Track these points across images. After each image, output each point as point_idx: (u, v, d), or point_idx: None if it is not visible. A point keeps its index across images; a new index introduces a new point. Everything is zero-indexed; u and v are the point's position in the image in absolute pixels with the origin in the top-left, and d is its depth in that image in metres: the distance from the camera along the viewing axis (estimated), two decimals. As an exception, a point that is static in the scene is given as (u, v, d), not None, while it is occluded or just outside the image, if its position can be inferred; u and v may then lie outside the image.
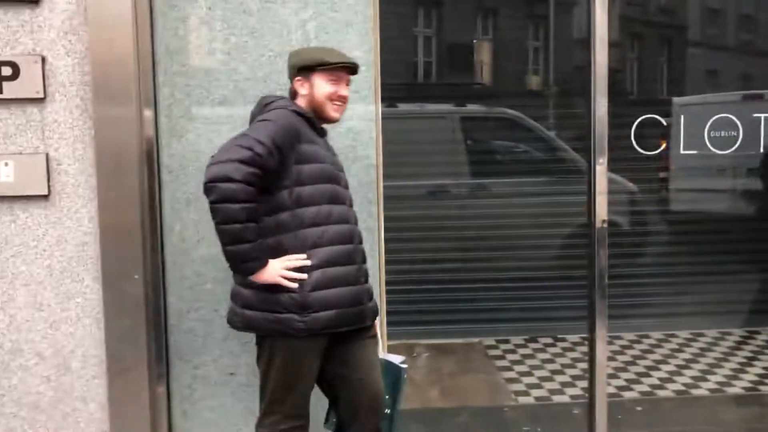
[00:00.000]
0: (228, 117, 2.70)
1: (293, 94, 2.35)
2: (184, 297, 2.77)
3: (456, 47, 7.31)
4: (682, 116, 4.10)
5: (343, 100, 2.35)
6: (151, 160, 2.69)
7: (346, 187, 2.35)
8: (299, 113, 2.26)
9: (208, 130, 2.72)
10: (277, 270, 2.17)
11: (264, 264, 2.16)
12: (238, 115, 2.65)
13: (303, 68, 2.31)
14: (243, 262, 2.16)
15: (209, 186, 2.10)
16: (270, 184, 2.16)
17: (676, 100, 4.97)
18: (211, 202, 2.10)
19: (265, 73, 2.71)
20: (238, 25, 2.71)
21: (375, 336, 2.44)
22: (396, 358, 2.52)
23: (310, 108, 2.31)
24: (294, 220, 2.19)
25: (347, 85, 2.36)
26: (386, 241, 2.86)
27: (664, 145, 3.84)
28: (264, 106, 2.32)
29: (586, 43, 3.05)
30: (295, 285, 2.17)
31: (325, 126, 2.37)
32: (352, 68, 2.36)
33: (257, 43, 2.72)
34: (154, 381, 2.72)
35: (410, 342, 4.29)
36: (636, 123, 3.62)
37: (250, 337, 2.59)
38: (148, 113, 2.68)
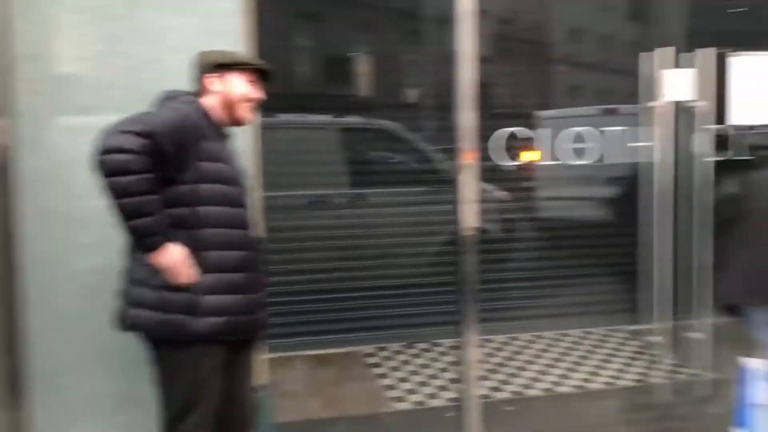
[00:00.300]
0: (92, 126, 2.58)
1: (200, 92, 2.30)
2: (45, 317, 2.61)
3: (336, 59, 7.39)
4: (546, 129, 4.36)
5: (256, 102, 2.34)
6: (5, 171, 2.53)
7: (246, 191, 2.31)
8: (204, 111, 2.23)
9: (70, 139, 2.59)
10: (179, 255, 2.08)
11: (168, 240, 2.07)
12: (102, 124, 2.54)
13: (220, 66, 2.28)
14: (145, 237, 2.05)
15: (99, 160, 1.97)
16: (169, 175, 2.08)
17: (540, 113, 5.28)
18: (104, 177, 1.97)
19: (131, 80, 2.62)
20: (102, 31, 2.61)
21: (253, 350, 2.41)
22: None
23: (223, 106, 2.28)
24: (193, 218, 2.12)
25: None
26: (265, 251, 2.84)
27: (529, 156, 4.07)
28: (169, 98, 2.25)
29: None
30: (187, 281, 2.10)
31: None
32: (265, 74, 2.37)
33: (123, 50, 2.62)
34: (10, 407, 2.54)
35: (289, 354, 4.27)
36: (502, 135, 3.81)
37: (118, 357, 2.49)
38: (3, 122, 2.52)
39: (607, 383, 4.11)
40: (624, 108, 4.66)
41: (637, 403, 3.83)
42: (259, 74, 2.36)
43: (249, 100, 2.31)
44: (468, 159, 3.18)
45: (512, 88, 6.25)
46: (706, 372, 3.62)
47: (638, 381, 4.06)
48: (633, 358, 4.40)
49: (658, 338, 3.65)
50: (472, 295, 3.12)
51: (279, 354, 3.61)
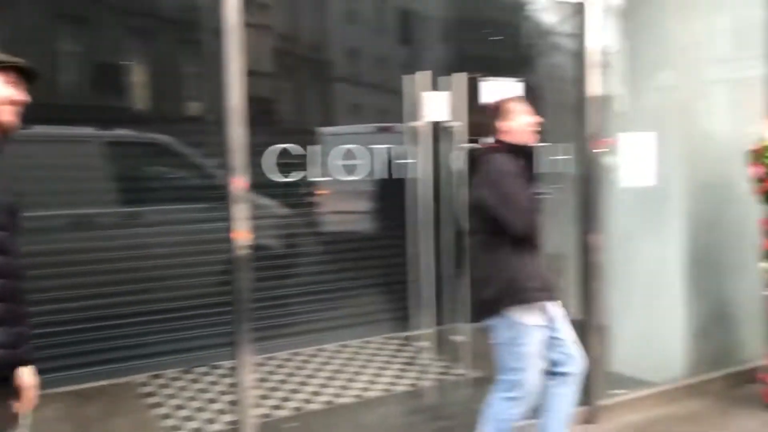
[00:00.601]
0: None
1: None
2: None
3: (105, 67, 6.90)
4: (322, 145, 4.44)
5: (21, 105, 2.04)
6: None
7: (13, 211, 2.01)
8: None
9: None
10: None
11: None
12: None
13: None
14: None
15: None
16: None
17: (319, 129, 5.37)
18: None
19: None
20: None
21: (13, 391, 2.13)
22: None
23: None
24: None
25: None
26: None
27: (303, 172, 4.10)
28: None
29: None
30: None
31: None
32: (29, 74, 2.06)
33: None
34: None
35: (51, 392, 3.86)
36: (276, 151, 3.80)
37: None
38: None
39: (384, 390, 4.27)
40: (395, 126, 4.90)
41: (412, 407, 4.01)
42: (22, 74, 2.10)
43: (11, 102, 2.04)
44: (240, 175, 3.13)
45: (292, 104, 6.31)
46: (470, 371, 3.90)
47: (412, 385, 4.27)
48: (407, 364, 4.62)
49: (426, 343, 3.86)
50: (247, 315, 3.07)
51: (40, 392, 3.25)
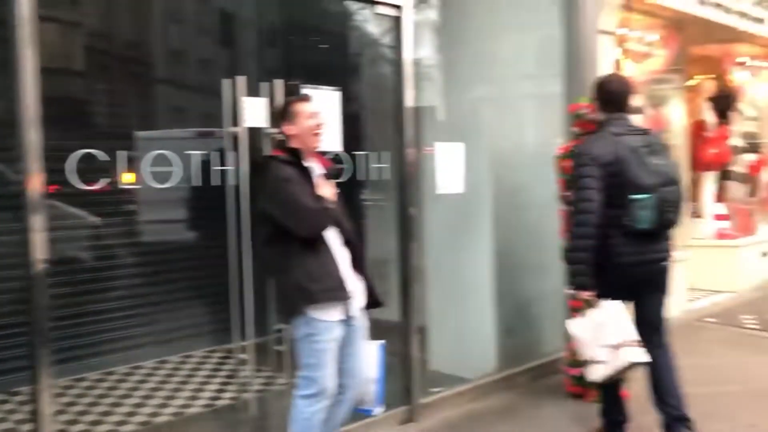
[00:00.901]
0: None
1: None
2: None
3: None
4: (137, 150, 4.16)
5: None
6: None
7: None
8: None
9: None
10: None
11: None
12: None
13: None
14: None
15: None
16: None
17: (134, 133, 5.05)
18: None
19: None
20: None
21: None
22: None
23: None
24: None
25: None
26: None
27: (114, 178, 3.82)
28: None
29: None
30: None
31: None
32: None
33: None
34: None
35: None
36: (79, 156, 3.50)
37: None
38: None
39: (205, 405, 4.11)
40: (214, 132, 4.73)
41: (233, 420, 3.89)
42: None
43: None
44: (37, 182, 2.88)
45: (104, 106, 5.90)
46: (292, 380, 3.85)
47: (234, 399, 4.14)
48: (229, 377, 4.48)
49: (248, 355, 3.75)
50: (45, 335, 2.80)
51: None
